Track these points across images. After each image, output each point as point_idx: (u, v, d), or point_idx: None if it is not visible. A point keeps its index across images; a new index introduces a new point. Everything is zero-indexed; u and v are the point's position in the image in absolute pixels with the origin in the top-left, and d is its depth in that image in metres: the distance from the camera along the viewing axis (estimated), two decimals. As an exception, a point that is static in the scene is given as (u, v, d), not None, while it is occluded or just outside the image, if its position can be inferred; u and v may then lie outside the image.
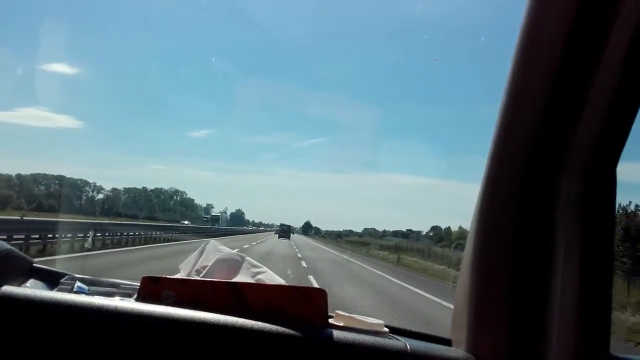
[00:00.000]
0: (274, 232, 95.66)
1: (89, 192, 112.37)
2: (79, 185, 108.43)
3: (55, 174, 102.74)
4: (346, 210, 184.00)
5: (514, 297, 1.01)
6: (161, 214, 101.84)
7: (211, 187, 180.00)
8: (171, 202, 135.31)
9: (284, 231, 78.65)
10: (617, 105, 0.89)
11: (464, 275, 1.11)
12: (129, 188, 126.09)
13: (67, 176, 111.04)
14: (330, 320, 1.19)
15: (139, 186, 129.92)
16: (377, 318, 1.22)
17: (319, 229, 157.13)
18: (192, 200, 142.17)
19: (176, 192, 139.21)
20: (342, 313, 1.21)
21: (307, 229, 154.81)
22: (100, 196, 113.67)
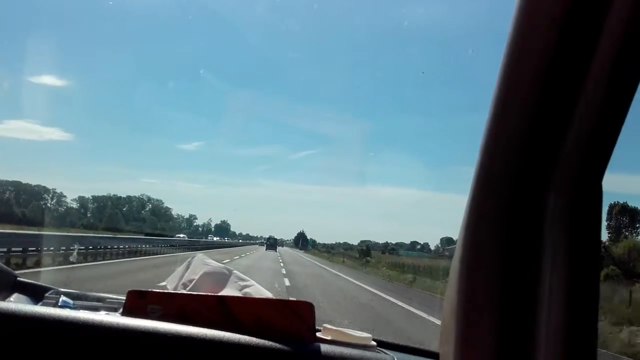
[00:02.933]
0: (258, 245, 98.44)
1: (47, 199, 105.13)
2: (37, 193, 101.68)
3: (11, 180, 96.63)
4: (341, 223, 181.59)
5: (502, 310, 1.01)
6: (125, 225, 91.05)
7: (201, 200, 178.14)
8: (143, 212, 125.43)
9: (271, 244, 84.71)
10: (604, 119, 0.90)
11: (451, 288, 1.11)
12: (98, 196, 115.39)
13: (24, 182, 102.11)
14: (318, 334, 1.18)
15: (112, 194, 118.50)
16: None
17: (314, 241, 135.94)
18: (169, 209, 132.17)
19: (149, 200, 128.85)
20: (330, 327, 1.20)
21: (302, 242, 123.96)
22: (71, 206, 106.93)
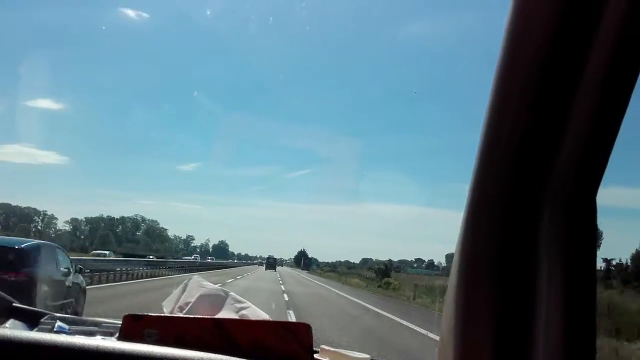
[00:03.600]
0: (257, 265, 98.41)
1: (37, 222, 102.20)
2: (27, 215, 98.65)
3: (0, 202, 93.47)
4: (340, 241, 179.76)
5: (500, 327, 1.01)
6: (118, 246, 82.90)
7: (198, 221, 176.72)
8: (138, 233, 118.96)
9: (270, 264, 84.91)
10: (596, 134, 0.91)
11: (448, 305, 1.11)
12: (91, 218, 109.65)
13: (13, 204, 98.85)
14: (316, 356, 1.17)
15: (105, 215, 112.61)
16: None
17: (316, 260, 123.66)
18: (164, 230, 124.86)
19: (143, 220, 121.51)
20: (327, 348, 1.20)
21: (305, 261, 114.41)
22: (62, 228, 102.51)
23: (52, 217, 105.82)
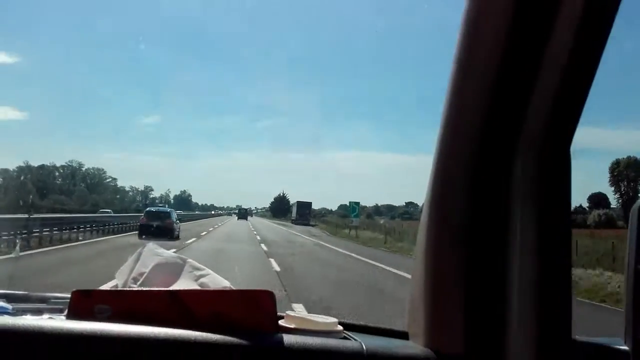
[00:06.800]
0: (226, 215, 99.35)
1: None
2: None
3: None
4: (317, 189, 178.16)
5: (471, 286, 0.97)
6: (41, 200, 66.51)
7: (160, 173, 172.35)
8: (72, 184, 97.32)
9: (242, 214, 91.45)
10: (569, 86, 0.85)
11: (417, 265, 1.07)
12: (3, 169, 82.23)
13: None
14: (281, 322, 1.12)
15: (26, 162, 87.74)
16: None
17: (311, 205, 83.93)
18: (113, 179, 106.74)
19: (80, 166, 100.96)
20: (292, 314, 1.15)
21: (300, 210, 77.65)
22: None
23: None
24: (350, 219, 45.73)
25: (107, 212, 47.39)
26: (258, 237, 33.46)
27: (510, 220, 0.93)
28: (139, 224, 27.53)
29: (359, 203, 48.82)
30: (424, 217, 1.01)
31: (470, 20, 0.86)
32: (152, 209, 31.23)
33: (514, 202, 0.93)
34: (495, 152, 0.92)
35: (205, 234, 33.16)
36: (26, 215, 21.68)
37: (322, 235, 44.26)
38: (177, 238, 25.17)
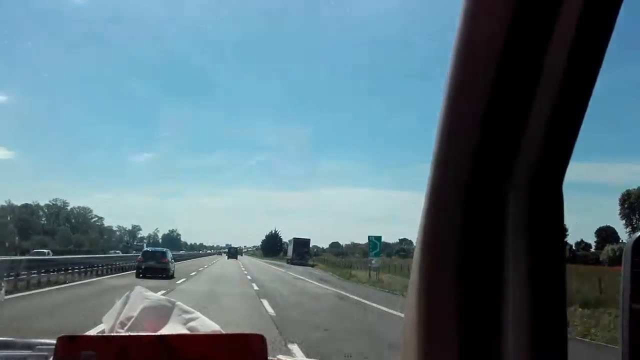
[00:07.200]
0: (215, 255, 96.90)
1: None
2: None
3: None
4: (307, 227, 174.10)
5: (465, 314, 0.96)
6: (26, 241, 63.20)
7: (150, 212, 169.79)
8: (56, 223, 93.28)
9: (232, 253, 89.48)
10: (562, 123, 0.86)
11: (412, 292, 1.05)
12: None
13: None
14: (272, 366, 1.09)
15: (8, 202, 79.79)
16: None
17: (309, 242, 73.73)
18: (100, 219, 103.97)
19: (64, 205, 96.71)
20: (283, 358, 1.12)
21: (297, 248, 67.62)
22: None
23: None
24: (370, 258, 36.22)
25: (43, 253, 41.43)
26: (255, 287, 23.07)
27: (504, 255, 0.93)
28: (136, 263, 28.38)
29: (380, 238, 36.74)
30: (416, 255, 1.01)
31: (458, 60, 0.87)
32: (149, 249, 32.99)
33: (508, 236, 0.92)
34: (487, 186, 0.92)
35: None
36: (10, 258, 21.51)
37: (332, 280, 35.04)
38: (172, 277, 26.36)
